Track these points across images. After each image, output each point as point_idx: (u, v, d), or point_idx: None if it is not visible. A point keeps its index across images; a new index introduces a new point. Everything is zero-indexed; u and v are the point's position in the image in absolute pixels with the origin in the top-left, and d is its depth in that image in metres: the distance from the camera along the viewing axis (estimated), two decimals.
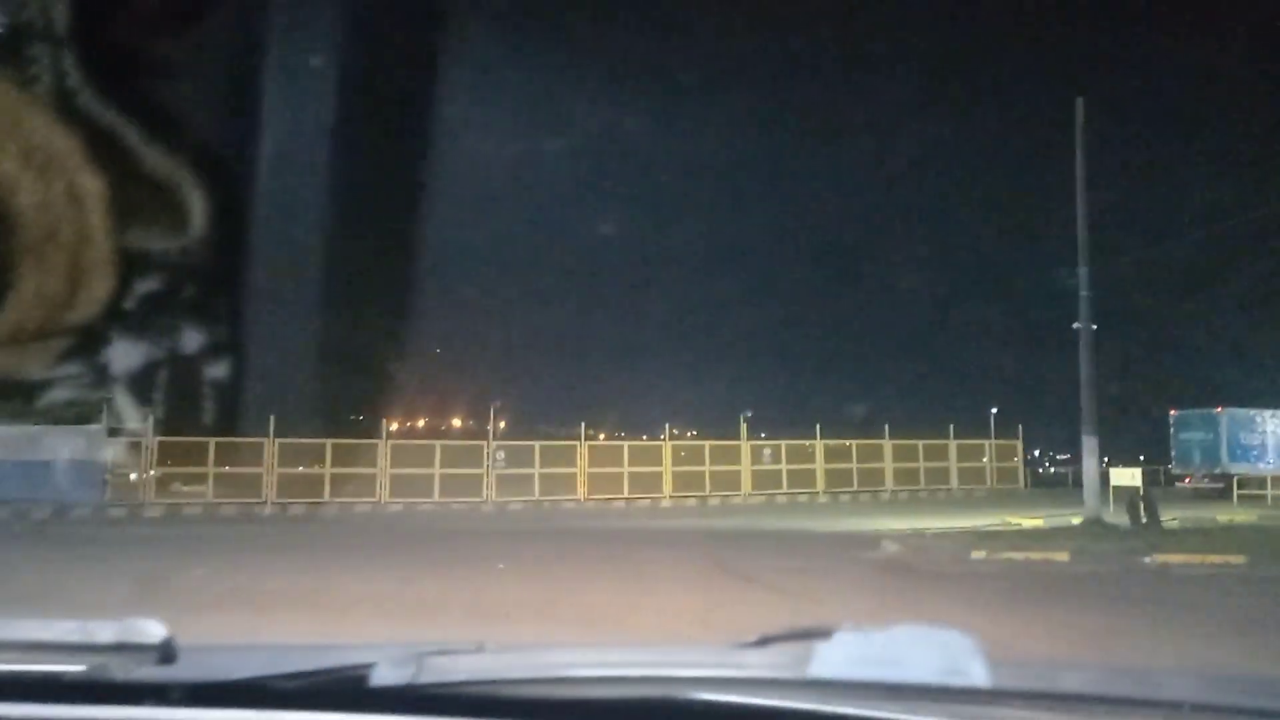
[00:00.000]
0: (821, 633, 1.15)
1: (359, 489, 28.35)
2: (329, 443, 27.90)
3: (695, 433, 32.66)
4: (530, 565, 14.15)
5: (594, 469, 30.58)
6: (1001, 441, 36.95)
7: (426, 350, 36.73)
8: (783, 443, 33.61)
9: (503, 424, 29.94)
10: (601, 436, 31.21)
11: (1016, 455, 37.17)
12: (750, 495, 32.52)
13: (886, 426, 35.14)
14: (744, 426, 32.94)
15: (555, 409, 35.37)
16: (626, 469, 31.07)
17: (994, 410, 36.72)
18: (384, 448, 28.43)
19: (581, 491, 30.25)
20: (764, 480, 33.06)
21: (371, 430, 28.44)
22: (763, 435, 33.27)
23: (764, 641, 1.23)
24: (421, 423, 35.62)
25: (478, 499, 28.89)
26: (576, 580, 12.51)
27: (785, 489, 33.16)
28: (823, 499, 33.40)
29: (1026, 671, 1.17)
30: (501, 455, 29.50)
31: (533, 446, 30.28)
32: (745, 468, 32.77)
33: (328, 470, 27.60)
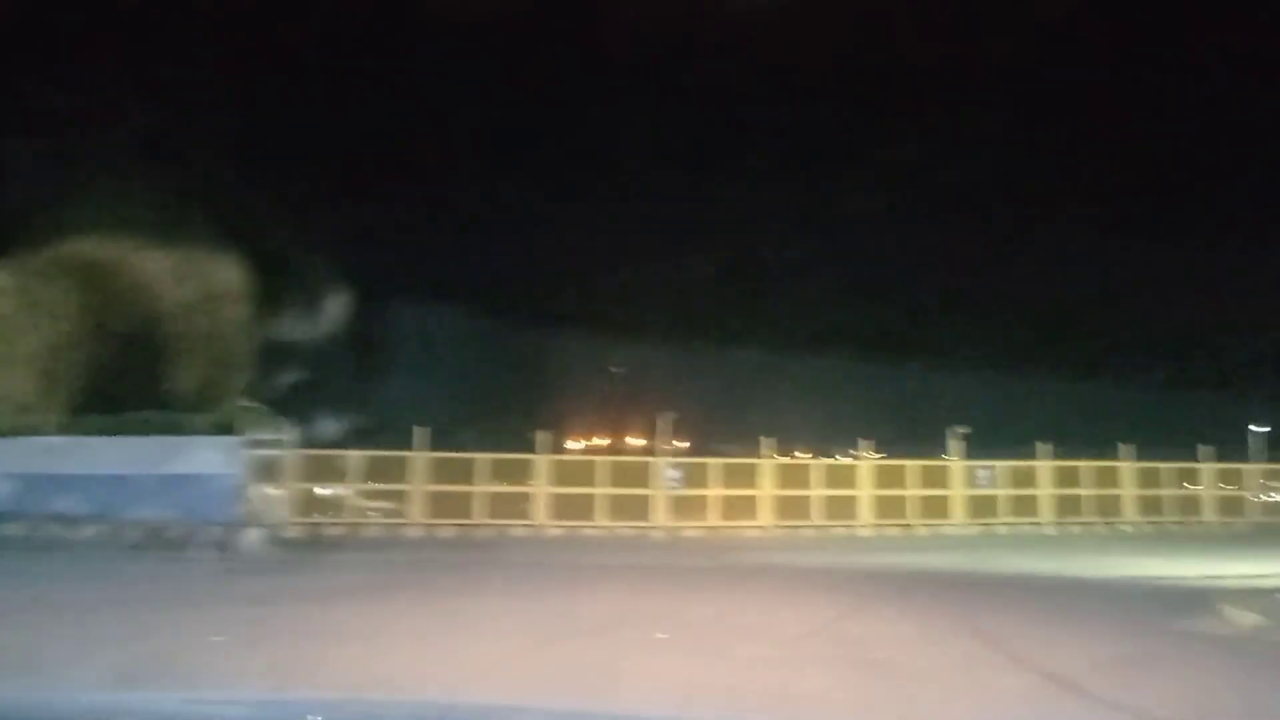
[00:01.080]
0: None
1: (515, 509, 25.42)
2: (483, 457, 24.99)
3: (885, 452, 27.90)
4: (704, 632, 10.41)
5: (780, 491, 26.60)
6: (1269, 465, 30.71)
7: (595, 361, 33.82)
8: (1000, 463, 28.64)
9: (673, 442, 26.24)
10: (777, 455, 27.26)
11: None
12: (965, 525, 27.76)
13: (1123, 446, 29.63)
14: (956, 444, 28.19)
15: (731, 422, 31.36)
16: (816, 491, 26.93)
17: (1261, 429, 30.48)
18: (543, 464, 25.38)
19: (765, 517, 26.33)
20: (979, 507, 28.20)
21: (530, 446, 25.42)
22: (970, 455, 28.45)
23: None
24: (586, 442, 32.28)
25: (646, 524, 25.47)
26: (775, 668, 8.33)
27: (1004, 518, 28.20)
28: (1049, 530, 28.25)
29: None
30: (674, 473, 25.93)
31: (709, 464, 26.53)
32: (958, 492, 28.01)
33: (481, 489, 24.72)
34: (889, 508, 27.39)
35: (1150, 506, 29.67)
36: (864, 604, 12.60)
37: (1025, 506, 28.60)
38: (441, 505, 24.48)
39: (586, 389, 34.59)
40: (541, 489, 25.04)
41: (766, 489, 26.37)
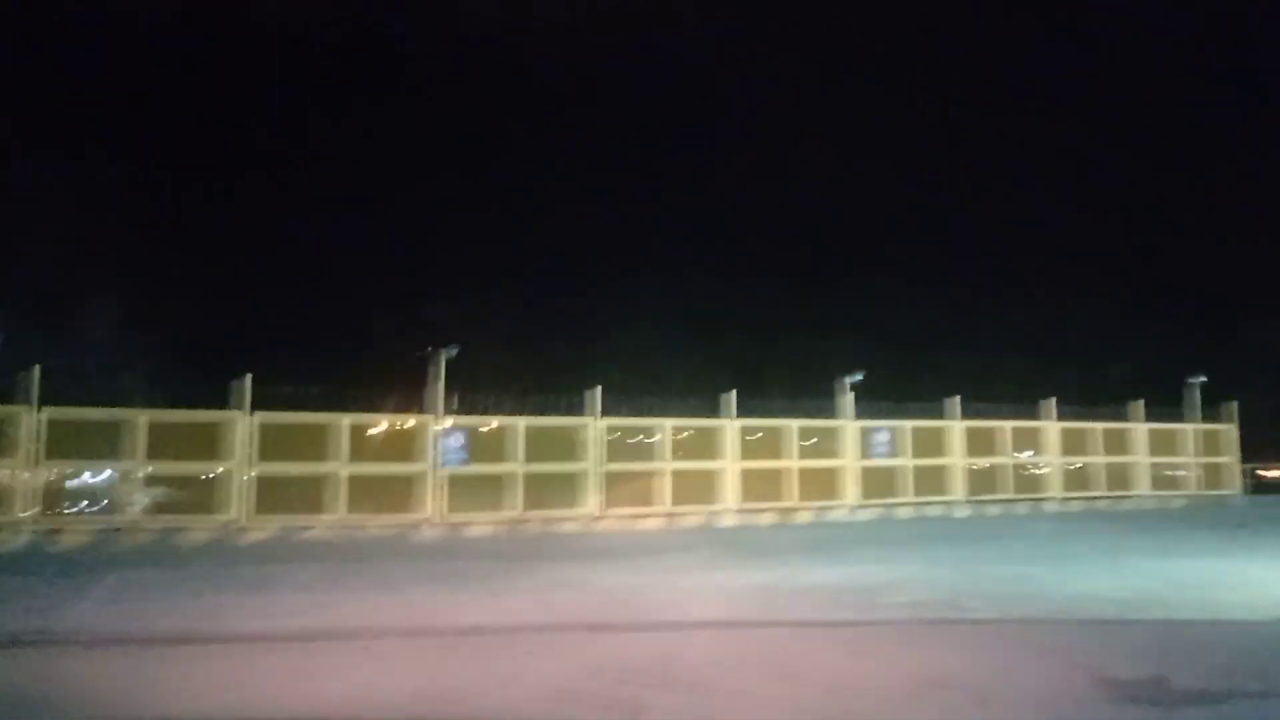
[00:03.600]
0: None
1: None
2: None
3: (755, 412, 20.30)
4: None
5: (612, 466, 18.64)
6: (1208, 426, 25.00)
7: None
8: (904, 424, 21.58)
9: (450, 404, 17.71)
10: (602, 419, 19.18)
11: (1229, 448, 25.17)
12: (859, 506, 20.58)
13: (1044, 404, 23.23)
14: (846, 399, 20.91)
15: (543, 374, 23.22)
16: (662, 464, 19.13)
17: (1198, 379, 24.63)
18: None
19: (592, 504, 18.31)
20: (876, 482, 21.10)
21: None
22: (864, 415, 21.27)
23: None
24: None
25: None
26: None
27: (908, 496, 21.22)
28: (962, 511, 21.48)
29: None
30: (456, 443, 17.52)
31: (518, 427, 18.21)
32: (850, 463, 20.78)
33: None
34: (760, 486, 19.88)
35: (1077, 479, 23.41)
36: None
37: (933, 480, 21.70)
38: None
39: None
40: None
41: (592, 464, 18.34)
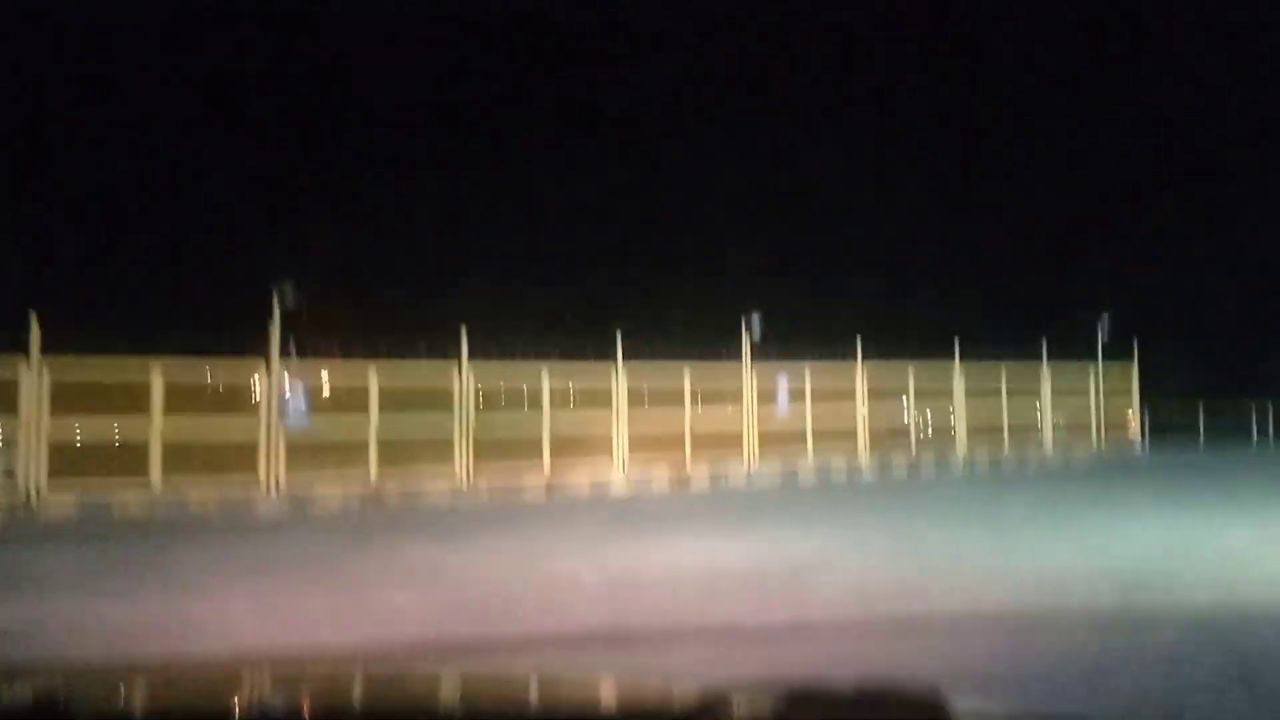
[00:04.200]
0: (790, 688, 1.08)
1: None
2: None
3: (644, 358, 18.06)
4: None
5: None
6: (1110, 364, 23.92)
7: None
8: (805, 372, 19.73)
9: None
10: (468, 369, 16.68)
11: (1130, 394, 24.26)
12: (760, 468, 18.72)
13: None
14: (746, 344, 18.94)
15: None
16: (541, 425, 16.82)
17: (1102, 317, 23.31)
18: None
19: (461, 468, 15.89)
20: (777, 439, 19.26)
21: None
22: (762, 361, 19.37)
23: (724, 697, 1.13)
24: None
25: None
26: None
27: (808, 453, 19.47)
28: (869, 474, 19.88)
29: None
30: (297, 404, 14.85)
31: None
32: (749, 417, 18.88)
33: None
34: (653, 444, 17.80)
35: (983, 433, 22.05)
36: None
37: (839, 436, 20.01)
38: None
39: None
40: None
41: (460, 421, 15.91)
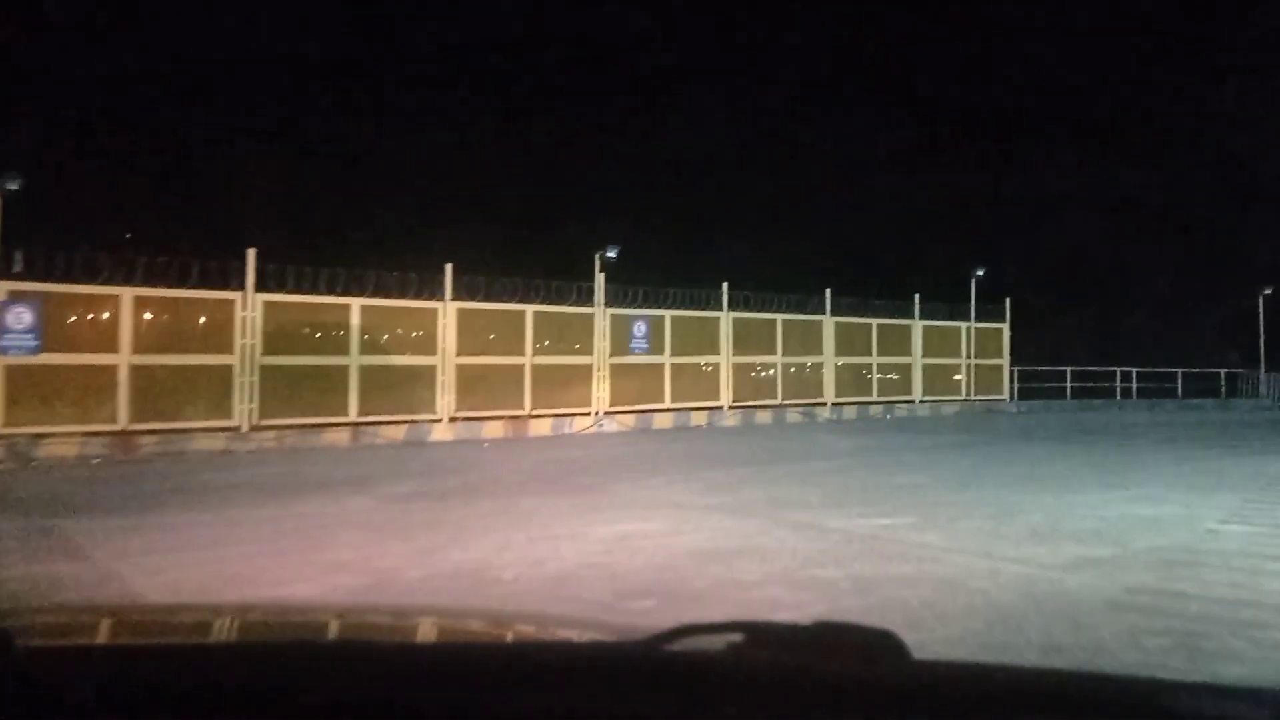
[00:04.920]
0: (740, 626, 1.09)
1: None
2: None
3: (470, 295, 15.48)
4: None
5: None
6: (982, 325, 22.81)
7: None
8: (663, 314, 17.64)
9: None
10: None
11: (1001, 349, 23.16)
12: (609, 415, 16.55)
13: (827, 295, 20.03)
14: (598, 283, 16.64)
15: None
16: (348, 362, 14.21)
17: (976, 273, 22.23)
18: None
19: (241, 418, 13.16)
20: (631, 387, 17.13)
21: None
22: (616, 303, 17.13)
23: (680, 633, 1.09)
24: None
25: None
26: None
27: (663, 402, 17.46)
28: (730, 419, 18.03)
29: (955, 669, 1.14)
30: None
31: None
32: (601, 360, 16.65)
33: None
34: (485, 387, 15.41)
35: (853, 383, 20.53)
36: None
37: (701, 383, 18.06)
38: None
39: None
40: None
41: (242, 354, 13.14)
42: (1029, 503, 8.08)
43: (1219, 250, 35.07)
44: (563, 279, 16.35)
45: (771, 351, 19.09)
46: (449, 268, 15.04)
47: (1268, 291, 26.05)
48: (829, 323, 19.93)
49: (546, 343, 16.05)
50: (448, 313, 15.00)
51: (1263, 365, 26.01)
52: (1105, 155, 34.87)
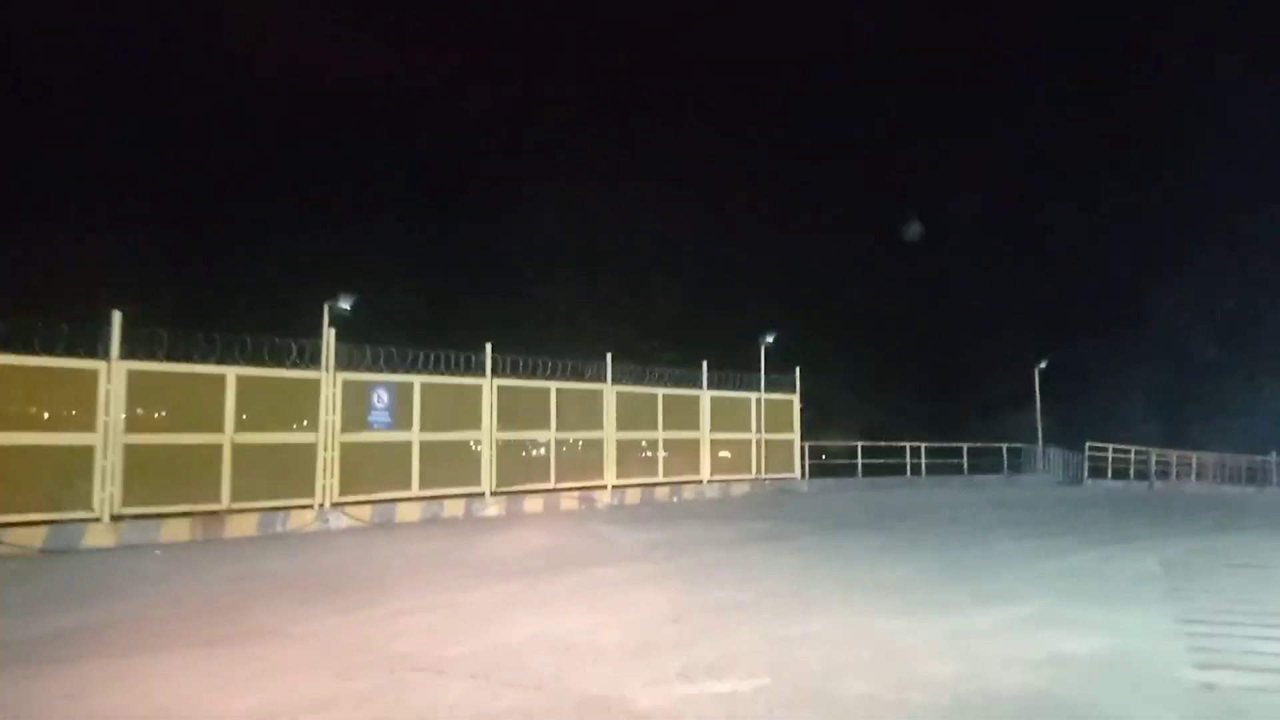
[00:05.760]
0: None
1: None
2: None
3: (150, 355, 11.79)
4: None
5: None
6: (772, 396, 20.90)
7: None
8: (410, 380, 14.36)
9: None
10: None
11: (792, 423, 21.29)
12: (334, 508, 13.01)
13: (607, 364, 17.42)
14: (328, 343, 13.22)
15: None
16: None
17: (766, 339, 20.41)
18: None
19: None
20: (361, 473, 13.68)
21: None
22: (350, 367, 13.69)
23: None
24: None
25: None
26: None
27: (409, 489, 14.10)
28: (492, 508, 14.91)
29: None
30: None
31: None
32: (329, 438, 13.13)
33: None
34: (151, 476, 11.59)
35: (634, 461, 17.92)
36: None
37: (459, 465, 14.84)
38: None
39: None
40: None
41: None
42: (908, 634, 5.66)
43: (1002, 319, 35.63)
44: (280, 334, 12.84)
45: (544, 426, 16.22)
46: (117, 316, 11.28)
47: (1042, 365, 25.90)
48: (610, 391, 17.34)
49: (252, 415, 12.41)
50: (114, 375, 11.19)
51: (1040, 440, 25.65)
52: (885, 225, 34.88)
